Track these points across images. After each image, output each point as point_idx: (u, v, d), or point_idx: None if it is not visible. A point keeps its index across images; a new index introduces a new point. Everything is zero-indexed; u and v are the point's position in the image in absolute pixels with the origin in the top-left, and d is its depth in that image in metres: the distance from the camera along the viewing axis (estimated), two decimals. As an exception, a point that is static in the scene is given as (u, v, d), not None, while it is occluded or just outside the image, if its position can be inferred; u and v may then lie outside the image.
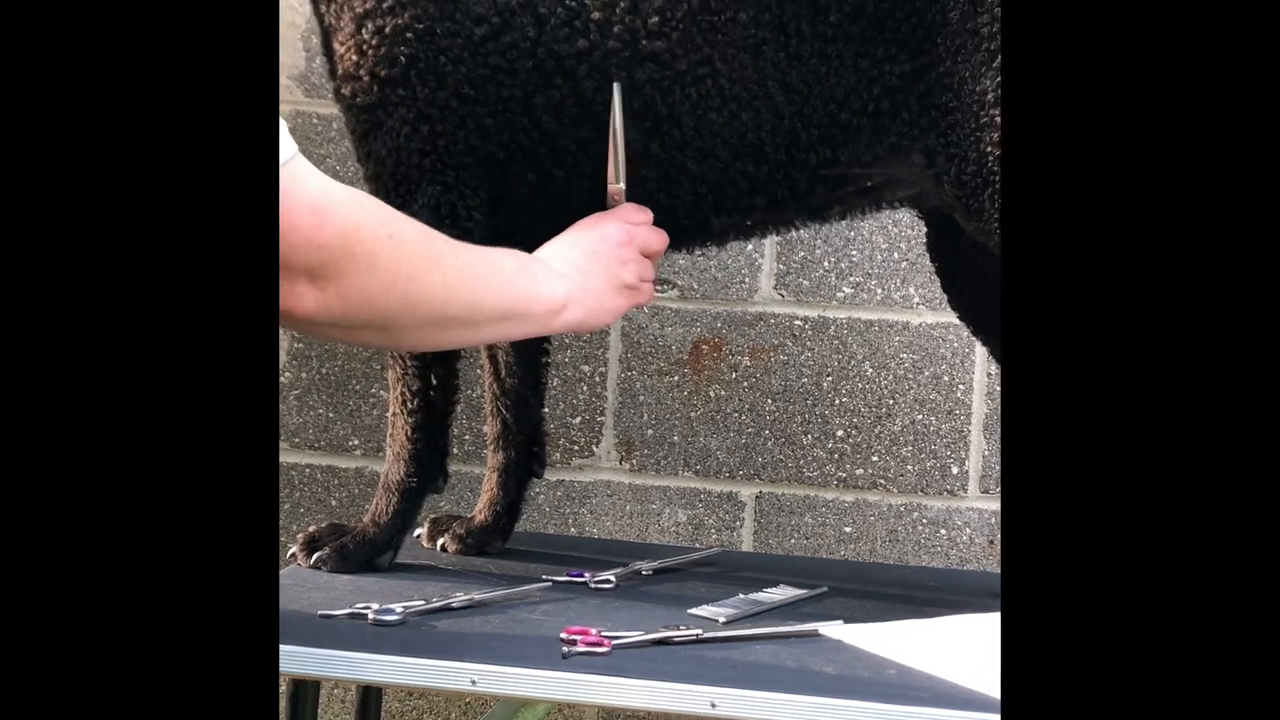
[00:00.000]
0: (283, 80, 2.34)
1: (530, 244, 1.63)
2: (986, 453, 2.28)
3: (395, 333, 1.52)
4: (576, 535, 2.32)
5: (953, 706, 1.33)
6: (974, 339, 1.96)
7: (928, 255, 1.90)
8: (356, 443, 2.37)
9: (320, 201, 1.41)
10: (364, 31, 1.67)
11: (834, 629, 1.54)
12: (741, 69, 1.66)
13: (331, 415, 2.37)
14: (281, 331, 2.14)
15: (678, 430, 2.32)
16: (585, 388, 2.33)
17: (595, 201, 1.68)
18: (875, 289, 2.29)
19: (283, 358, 2.36)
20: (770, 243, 2.29)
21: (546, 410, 1.96)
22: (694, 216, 1.72)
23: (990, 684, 1.34)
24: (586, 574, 1.73)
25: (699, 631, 1.50)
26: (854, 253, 2.29)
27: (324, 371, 2.37)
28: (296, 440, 2.37)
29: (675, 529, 2.32)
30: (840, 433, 2.29)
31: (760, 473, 2.30)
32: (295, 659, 1.39)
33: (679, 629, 1.49)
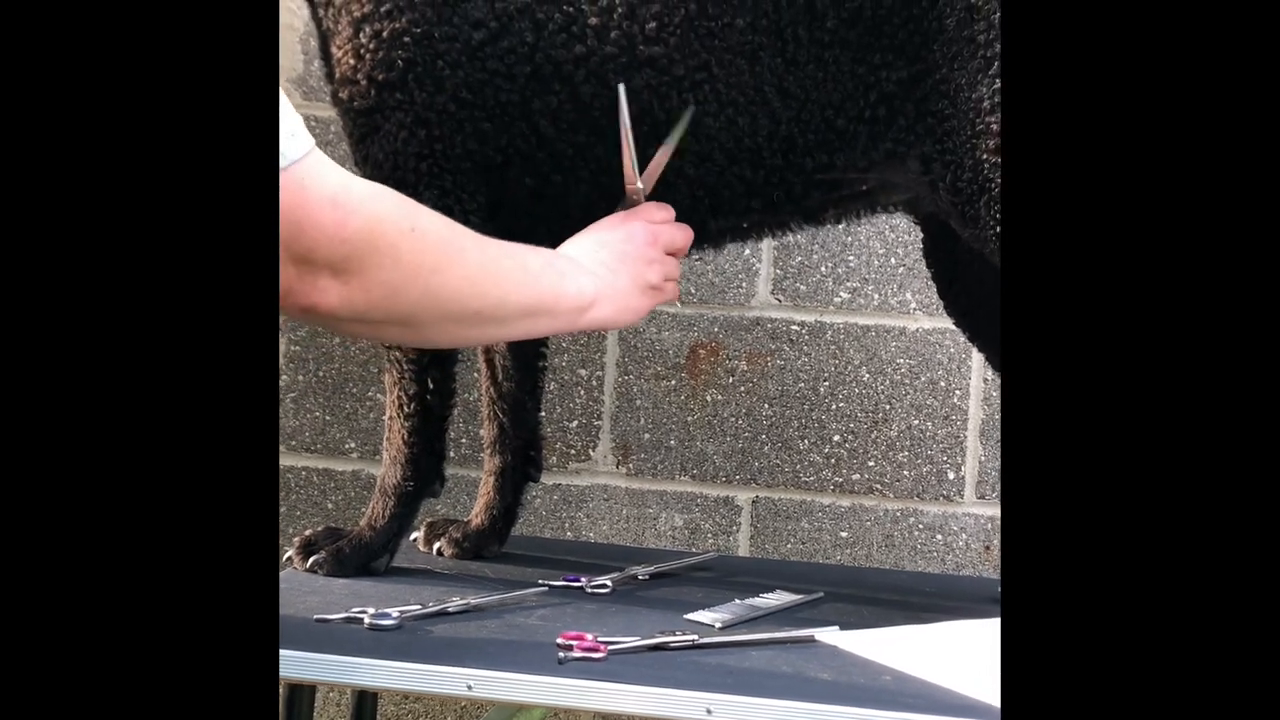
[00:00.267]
0: (281, 83, 2.34)
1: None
2: (983, 458, 2.28)
3: (419, 327, 1.50)
4: (573, 539, 2.32)
5: (949, 713, 1.32)
6: (970, 345, 1.96)
7: (924, 261, 1.90)
8: (353, 446, 2.37)
9: (341, 196, 1.40)
10: (362, 35, 1.67)
11: (830, 635, 1.54)
12: (738, 74, 1.66)
13: (328, 418, 2.37)
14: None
15: (674, 435, 2.32)
16: (582, 392, 2.33)
17: (593, 206, 1.68)
18: (872, 294, 2.29)
19: (279, 360, 2.36)
20: (767, 248, 2.29)
21: (543, 414, 1.96)
22: (691, 219, 1.72)
23: (987, 690, 1.34)
24: (583, 579, 1.73)
25: (695, 637, 1.49)
26: (851, 258, 2.29)
27: (321, 374, 2.37)
28: (293, 443, 2.36)
29: (672, 533, 2.32)
30: (837, 438, 2.29)
31: (757, 477, 2.30)
32: (291, 663, 1.39)
33: (675, 634, 1.49)
